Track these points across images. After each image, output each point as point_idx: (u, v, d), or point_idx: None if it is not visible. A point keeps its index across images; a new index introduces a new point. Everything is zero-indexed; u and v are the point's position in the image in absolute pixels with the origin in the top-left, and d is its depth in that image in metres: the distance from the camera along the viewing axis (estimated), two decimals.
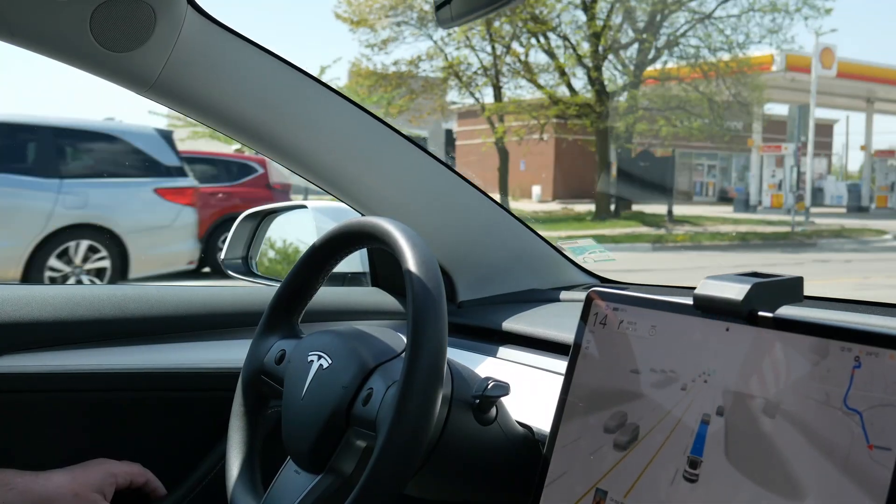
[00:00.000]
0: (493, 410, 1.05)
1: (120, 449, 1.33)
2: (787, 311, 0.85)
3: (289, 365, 1.07)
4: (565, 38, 20.51)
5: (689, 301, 0.91)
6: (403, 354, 0.94)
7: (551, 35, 20.43)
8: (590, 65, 20.50)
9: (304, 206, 1.88)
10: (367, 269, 1.72)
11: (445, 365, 0.93)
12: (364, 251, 1.71)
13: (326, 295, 1.50)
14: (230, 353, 1.39)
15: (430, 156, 1.48)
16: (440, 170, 1.49)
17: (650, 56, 21.90)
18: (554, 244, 1.65)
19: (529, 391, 1.20)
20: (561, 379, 1.02)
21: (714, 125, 23.62)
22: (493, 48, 20.94)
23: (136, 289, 1.47)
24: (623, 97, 22.24)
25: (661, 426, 0.90)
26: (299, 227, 1.99)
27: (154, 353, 1.39)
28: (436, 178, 1.50)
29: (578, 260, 1.70)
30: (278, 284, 1.17)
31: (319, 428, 0.98)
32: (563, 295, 1.57)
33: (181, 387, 1.40)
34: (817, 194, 35.75)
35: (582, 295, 1.12)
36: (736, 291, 0.86)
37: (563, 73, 20.96)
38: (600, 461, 0.95)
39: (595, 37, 20.05)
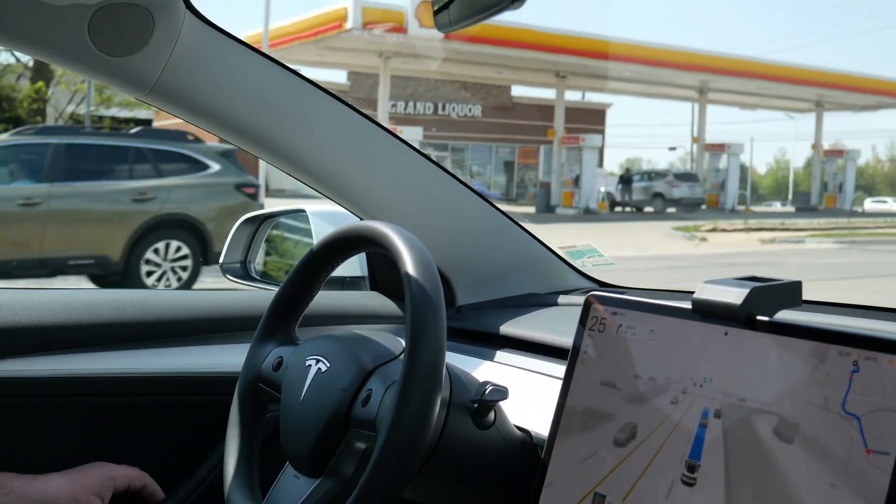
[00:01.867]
0: (492, 414, 1.05)
1: (118, 453, 1.33)
2: (785, 315, 0.85)
3: (286, 371, 1.07)
4: None
5: (688, 305, 0.91)
6: (402, 356, 0.94)
7: None
8: None
9: (302, 211, 1.88)
10: (365, 273, 1.72)
11: (444, 368, 0.93)
12: (363, 255, 1.71)
13: (325, 299, 1.49)
14: (229, 358, 1.39)
15: (429, 160, 1.49)
16: (439, 174, 1.49)
17: None
18: (552, 248, 1.65)
19: (528, 395, 1.20)
20: (559, 383, 1.02)
21: None
22: None
23: (134, 293, 1.47)
24: None
25: (660, 430, 0.90)
26: (297, 231, 1.99)
27: (153, 358, 1.39)
28: (434, 182, 1.50)
29: (577, 264, 1.70)
30: (276, 289, 1.17)
31: (319, 431, 0.98)
32: (562, 299, 1.57)
33: (180, 391, 1.40)
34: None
35: (580, 299, 1.12)
36: (734, 296, 0.86)
37: None
38: (599, 465, 0.94)
39: None
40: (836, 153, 33.52)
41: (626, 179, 31.20)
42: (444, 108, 30.14)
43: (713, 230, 19.90)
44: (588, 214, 25.55)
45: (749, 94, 32.83)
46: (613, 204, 29.77)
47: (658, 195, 29.58)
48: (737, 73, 28.76)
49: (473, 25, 1.00)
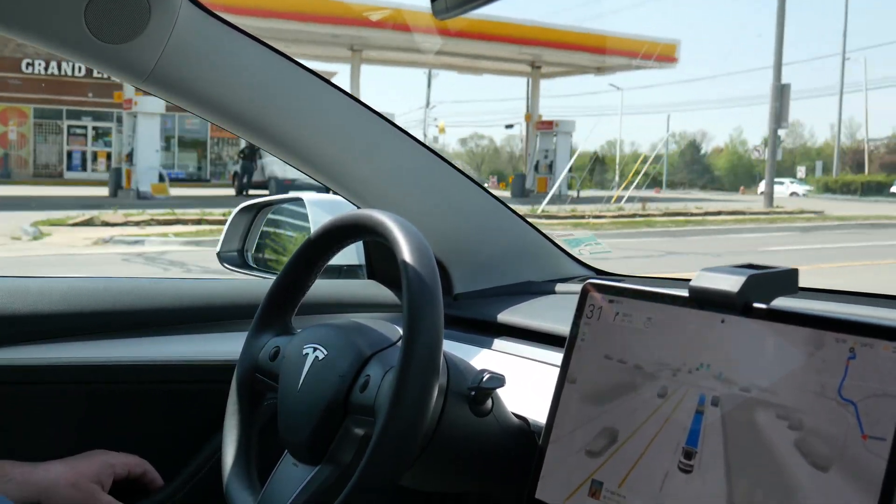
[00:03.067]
0: (489, 402, 1.05)
1: (117, 440, 1.33)
2: (782, 302, 0.85)
3: (283, 360, 1.07)
4: None
5: (685, 293, 0.91)
6: (400, 343, 0.95)
7: None
8: None
9: (299, 199, 1.88)
10: (362, 261, 1.72)
11: (441, 355, 0.93)
12: (360, 243, 1.71)
13: (322, 288, 1.49)
14: (226, 346, 1.39)
15: (426, 148, 1.49)
16: (436, 162, 1.49)
17: None
18: (550, 236, 1.65)
19: (525, 383, 1.20)
20: (556, 371, 1.03)
21: None
22: None
23: (132, 281, 1.47)
24: None
25: (656, 417, 0.90)
26: (295, 219, 1.99)
27: (151, 346, 1.39)
28: (432, 170, 1.50)
29: (574, 252, 1.70)
30: (273, 277, 1.17)
31: (317, 418, 0.98)
32: (559, 287, 1.57)
33: (178, 379, 1.40)
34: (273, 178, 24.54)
35: (577, 287, 1.12)
36: (731, 283, 0.86)
37: None
38: (595, 452, 0.95)
39: None
40: (546, 125, 25.63)
41: (246, 156, 23.85)
42: (60, 68, 23.44)
43: (82, 223, 13.67)
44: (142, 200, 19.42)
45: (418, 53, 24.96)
46: (241, 188, 23.73)
47: (273, 177, 22.70)
48: (396, 27, 21.33)
49: (470, 12, 1.00)
